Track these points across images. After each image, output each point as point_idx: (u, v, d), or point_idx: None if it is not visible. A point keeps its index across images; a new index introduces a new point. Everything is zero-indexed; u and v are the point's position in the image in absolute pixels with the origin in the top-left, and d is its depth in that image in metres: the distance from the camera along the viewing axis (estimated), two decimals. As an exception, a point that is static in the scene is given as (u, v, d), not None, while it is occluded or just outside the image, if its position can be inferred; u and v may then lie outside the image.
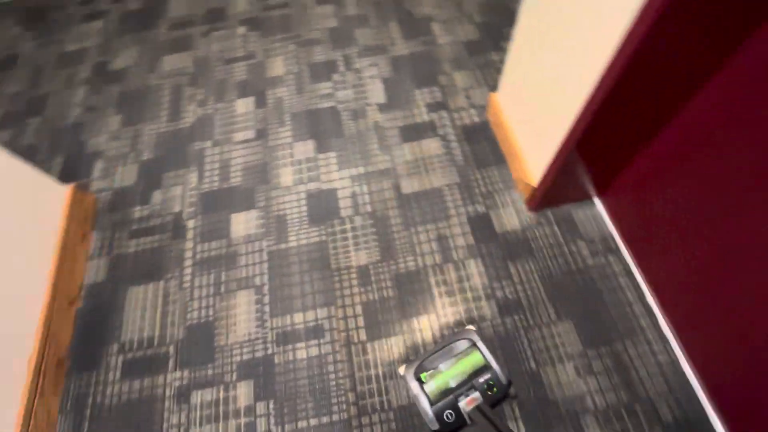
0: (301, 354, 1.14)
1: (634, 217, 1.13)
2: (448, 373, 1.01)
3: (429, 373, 1.02)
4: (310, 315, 1.19)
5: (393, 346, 1.13)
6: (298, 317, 1.19)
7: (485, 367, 1.01)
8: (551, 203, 1.28)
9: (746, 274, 0.81)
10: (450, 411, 0.97)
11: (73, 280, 1.26)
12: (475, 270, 1.22)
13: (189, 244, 1.34)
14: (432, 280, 1.21)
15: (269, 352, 1.15)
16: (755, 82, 0.70)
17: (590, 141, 0.94)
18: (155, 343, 1.17)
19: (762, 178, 0.73)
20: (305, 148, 1.50)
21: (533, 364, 1.07)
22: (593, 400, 1.02)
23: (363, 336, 1.15)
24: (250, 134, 1.56)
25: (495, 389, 0.98)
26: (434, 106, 1.56)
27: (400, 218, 1.32)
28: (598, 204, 1.28)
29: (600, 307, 1.13)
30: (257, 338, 1.17)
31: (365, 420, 1.04)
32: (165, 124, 1.62)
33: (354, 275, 1.24)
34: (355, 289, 1.22)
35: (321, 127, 1.55)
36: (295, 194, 1.40)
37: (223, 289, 1.25)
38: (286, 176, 1.45)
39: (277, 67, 1.75)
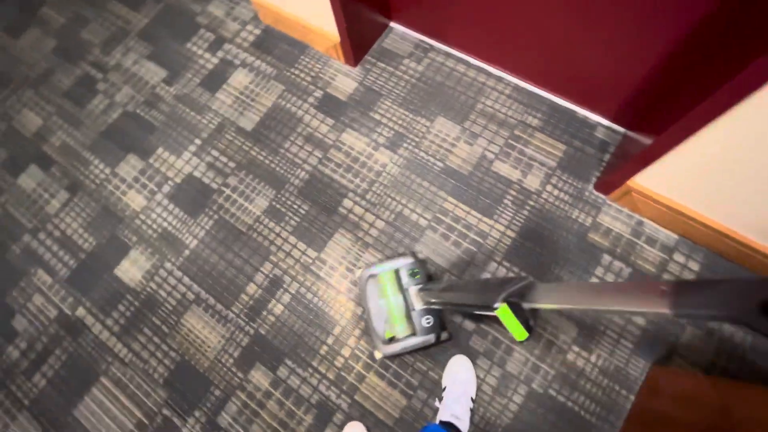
0: (278, 309, 1.13)
1: (422, 14, 1.28)
2: (391, 313, 1.01)
3: (385, 331, 1.00)
4: (259, 277, 1.17)
5: (340, 240, 1.18)
6: (251, 288, 1.16)
7: (397, 275, 1.01)
8: (363, 49, 1.37)
9: None
10: (426, 318, 0.96)
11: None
12: (351, 138, 1.29)
13: (98, 328, 1.17)
14: (328, 171, 1.26)
15: (252, 332, 1.12)
16: None
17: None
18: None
19: None
20: (130, 165, 1.35)
21: (440, 164, 1.23)
22: (490, 152, 1.22)
23: (312, 254, 1.18)
24: (63, 196, 1.34)
25: (417, 273, 1.00)
26: (214, 46, 1.48)
27: (264, 150, 1.31)
28: (396, 26, 1.41)
29: (449, 91, 1.30)
30: (233, 332, 1.12)
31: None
32: (-41, 259, 1.30)
33: (267, 220, 1.22)
34: (277, 228, 1.21)
35: (130, 137, 1.39)
36: (158, 206, 1.28)
37: (165, 329, 1.15)
38: (136, 200, 1.30)
39: (31, 120, 1.46)
